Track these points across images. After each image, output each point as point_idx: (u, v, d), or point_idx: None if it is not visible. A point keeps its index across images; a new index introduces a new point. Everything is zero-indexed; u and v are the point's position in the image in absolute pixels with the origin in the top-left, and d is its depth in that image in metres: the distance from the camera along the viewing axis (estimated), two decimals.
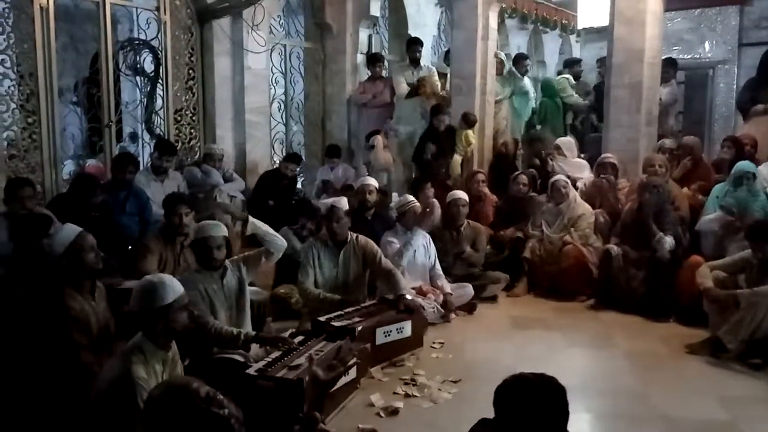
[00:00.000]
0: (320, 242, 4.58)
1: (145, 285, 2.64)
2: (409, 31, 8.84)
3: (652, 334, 4.66)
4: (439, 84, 7.56)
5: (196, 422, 1.53)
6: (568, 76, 8.58)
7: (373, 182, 5.72)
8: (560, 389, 1.83)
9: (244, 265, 3.82)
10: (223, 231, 3.68)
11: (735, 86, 9.21)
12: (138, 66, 6.26)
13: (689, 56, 9.91)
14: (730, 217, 4.89)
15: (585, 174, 6.22)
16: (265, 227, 4.05)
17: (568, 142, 6.76)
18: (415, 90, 7.23)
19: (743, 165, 5.18)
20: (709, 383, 3.82)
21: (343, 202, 4.64)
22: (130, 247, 4.69)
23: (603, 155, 6.05)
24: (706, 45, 9.75)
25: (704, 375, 3.96)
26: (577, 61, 9.16)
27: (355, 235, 4.60)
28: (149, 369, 2.53)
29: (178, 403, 1.56)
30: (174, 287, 2.65)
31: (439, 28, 10.09)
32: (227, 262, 3.74)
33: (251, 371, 3.19)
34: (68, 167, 6.25)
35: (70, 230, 3.27)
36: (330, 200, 4.69)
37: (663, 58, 7.37)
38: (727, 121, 9.39)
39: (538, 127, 8.15)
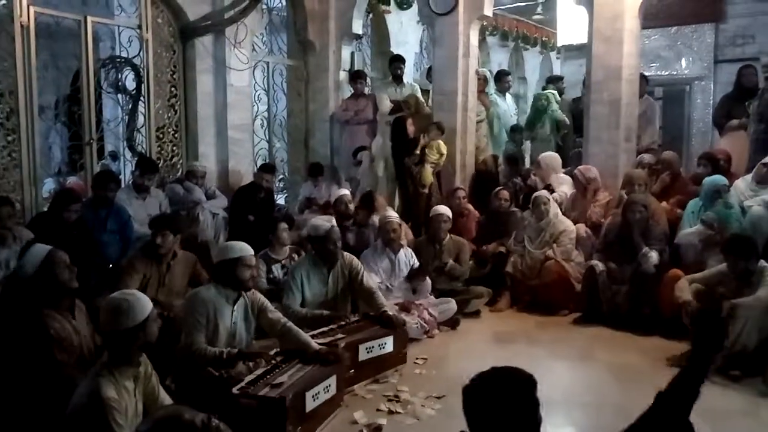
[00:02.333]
0: (309, 262, 4.55)
1: (115, 305, 2.60)
2: (392, 49, 8.94)
3: (634, 347, 4.69)
4: (423, 101, 7.63)
5: None
6: (553, 91, 8.70)
7: (347, 193, 5.81)
8: (523, 378, 1.81)
9: (259, 310, 3.73)
10: (252, 253, 3.67)
11: (711, 102, 9.36)
12: (120, 84, 6.26)
13: (666, 73, 10.08)
14: (710, 231, 4.96)
15: (565, 189, 6.28)
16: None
17: (550, 157, 6.81)
18: (398, 108, 7.27)
19: (715, 179, 5.25)
20: None
21: (334, 223, 4.62)
22: (111, 266, 4.65)
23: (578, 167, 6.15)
24: (683, 62, 9.92)
25: None
26: (560, 78, 9.28)
27: (342, 253, 4.61)
28: (119, 388, 2.52)
29: None
30: (143, 304, 2.63)
31: (421, 46, 10.20)
32: (245, 292, 3.71)
33: (234, 390, 3.17)
34: (48, 185, 6.21)
35: (41, 249, 3.23)
36: (326, 223, 4.53)
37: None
38: (704, 137, 9.54)
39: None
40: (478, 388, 1.81)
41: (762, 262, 4.22)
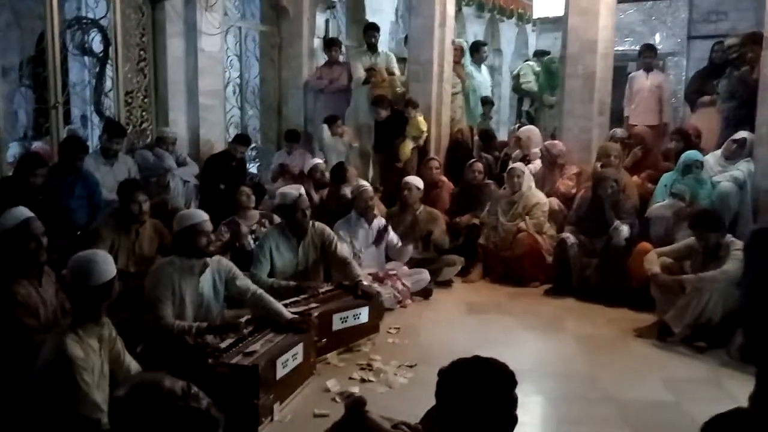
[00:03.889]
0: (278, 231, 4.49)
1: (82, 264, 2.62)
2: (367, 17, 8.80)
3: (603, 318, 4.78)
4: (397, 68, 7.56)
5: (178, 421, 1.48)
6: (533, 63, 8.66)
7: (321, 162, 5.79)
8: (503, 373, 1.75)
9: (228, 278, 3.68)
10: (207, 217, 3.61)
11: (684, 78, 9.44)
12: (86, 46, 6.06)
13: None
14: (681, 203, 5.02)
15: (537, 163, 6.30)
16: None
17: (530, 131, 6.78)
18: (368, 78, 7.20)
19: (691, 154, 5.34)
20: (655, 366, 3.95)
21: (302, 192, 4.55)
22: (79, 232, 4.56)
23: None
24: (657, 37, 9.97)
25: (651, 358, 4.09)
26: (546, 53, 9.25)
27: (312, 222, 4.56)
28: (85, 347, 2.53)
29: (154, 403, 1.48)
30: (109, 263, 2.66)
31: (396, 14, 10.08)
32: (210, 260, 3.64)
33: (207, 359, 3.14)
34: (13, 149, 6.03)
35: (18, 214, 3.14)
36: (293, 191, 4.47)
37: (643, 44, 7.56)
38: (676, 112, 9.62)
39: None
40: (456, 373, 1.74)
41: (729, 237, 4.30)
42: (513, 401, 1.75)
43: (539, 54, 9.14)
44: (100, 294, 2.60)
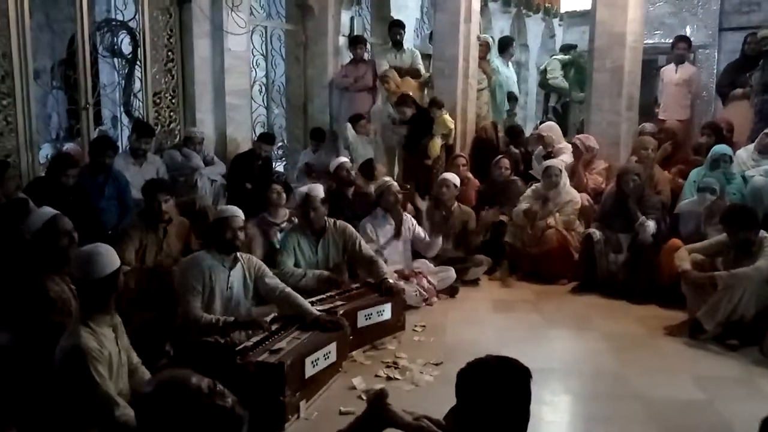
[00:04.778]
0: (299, 230, 4.55)
1: (84, 257, 2.67)
2: (392, 14, 8.77)
3: (632, 316, 4.71)
4: (422, 65, 7.53)
5: (204, 418, 1.50)
6: (560, 58, 8.56)
7: (346, 160, 5.79)
8: (519, 372, 1.79)
9: (257, 275, 3.72)
10: (242, 214, 3.68)
11: (715, 71, 9.26)
12: (115, 47, 6.15)
13: (670, 41, 9.92)
14: (711, 197, 4.89)
15: (565, 158, 6.23)
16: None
17: (550, 128, 6.73)
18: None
19: (719, 148, 5.24)
20: (686, 364, 3.88)
21: (318, 190, 4.58)
22: (110, 232, 4.64)
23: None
24: (688, 29, 9.76)
25: (682, 356, 4.02)
26: (573, 47, 9.14)
27: (332, 220, 4.58)
28: (99, 338, 2.56)
29: (181, 400, 1.50)
30: (112, 256, 2.70)
31: (421, 11, 10.04)
32: (241, 255, 3.70)
33: (233, 355, 3.17)
34: (45, 151, 6.15)
35: (45, 213, 3.22)
36: (305, 188, 4.60)
37: (676, 36, 7.43)
38: (706, 105, 9.45)
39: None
40: (473, 373, 1.79)
41: (762, 233, 4.20)
42: (528, 396, 1.77)
43: (566, 48, 9.04)
44: (106, 285, 2.64)
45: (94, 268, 2.62)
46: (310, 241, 4.50)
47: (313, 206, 4.45)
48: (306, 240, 4.49)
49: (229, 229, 3.57)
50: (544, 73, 8.69)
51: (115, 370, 2.60)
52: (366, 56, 7.74)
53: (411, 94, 6.99)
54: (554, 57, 8.80)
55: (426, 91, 7.42)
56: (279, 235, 4.99)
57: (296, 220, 5.05)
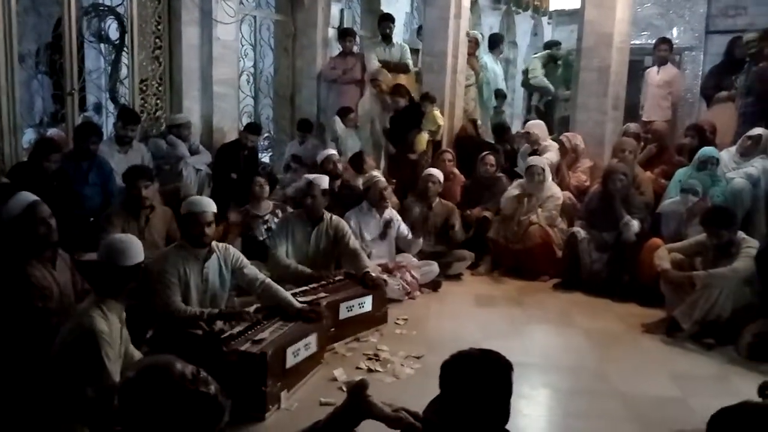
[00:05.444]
0: (296, 216, 4.60)
1: (117, 242, 2.79)
2: (382, 7, 8.77)
3: (612, 313, 4.78)
4: (411, 60, 7.54)
5: (187, 404, 1.51)
6: (541, 55, 8.60)
7: (334, 152, 5.81)
8: (502, 365, 1.82)
9: (235, 267, 3.69)
10: (213, 207, 3.64)
11: (701, 73, 9.35)
12: (102, 33, 6.09)
13: None
14: (693, 198, 4.96)
15: (551, 155, 6.28)
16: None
17: (536, 125, 6.76)
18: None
19: (707, 150, 5.30)
20: (663, 361, 3.95)
21: (323, 180, 4.62)
22: (92, 219, 4.61)
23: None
24: (675, 31, 9.86)
25: (659, 353, 4.08)
26: (557, 44, 9.20)
27: (330, 215, 4.62)
28: (110, 324, 2.64)
29: (164, 386, 1.51)
30: (139, 249, 2.81)
31: (411, 5, 10.05)
32: (217, 245, 3.67)
33: (215, 343, 3.18)
34: (29, 136, 6.09)
35: (22, 199, 3.18)
36: (310, 176, 4.68)
37: (659, 38, 7.49)
38: (691, 107, 9.56)
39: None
40: (456, 364, 1.82)
41: (741, 234, 4.27)
42: (510, 389, 1.80)
43: (550, 45, 9.08)
44: (128, 275, 2.74)
45: (122, 256, 2.73)
46: (305, 230, 4.53)
47: (313, 194, 4.48)
48: (301, 227, 4.53)
49: (197, 224, 3.53)
50: (525, 72, 8.74)
51: (114, 359, 2.64)
52: (355, 49, 7.73)
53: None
54: (534, 56, 8.84)
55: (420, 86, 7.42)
56: (262, 228, 5.01)
57: (280, 213, 5.07)
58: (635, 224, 5.00)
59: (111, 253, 2.74)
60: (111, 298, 2.71)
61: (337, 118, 6.97)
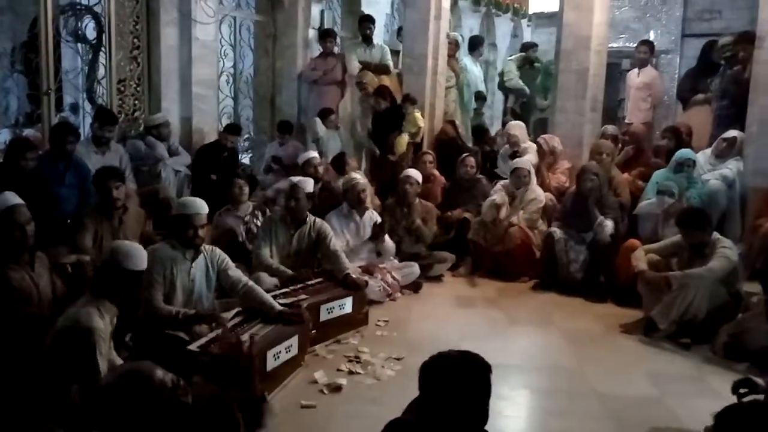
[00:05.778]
0: (279, 218, 4.63)
1: (126, 246, 2.92)
2: (362, 8, 8.77)
3: (589, 313, 4.82)
4: (391, 61, 7.55)
5: (165, 412, 1.51)
6: (514, 57, 8.67)
7: (315, 155, 5.80)
8: (481, 366, 1.83)
9: (220, 267, 3.69)
10: (206, 209, 3.65)
11: (677, 75, 9.48)
12: (79, 32, 6.02)
13: (634, 45, 10.13)
14: (669, 199, 5.02)
15: (531, 157, 6.32)
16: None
17: (516, 126, 6.78)
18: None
19: (684, 152, 5.36)
20: (640, 361, 3.99)
21: (307, 184, 4.64)
22: (69, 220, 4.55)
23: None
24: (651, 34, 9.98)
25: (636, 353, 4.13)
26: (533, 45, 9.27)
27: (314, 218, 4.63)
28: (105, 323, 2.69)
29: (144, 393, 1.51)
30: (144, 258, 2.92)
31: (392, 6, 10.06)
32: (205, 247, 3.68)
33: (193, 347, 3.16)
34: (3, 136, 6.00)
35: (3, 200, 3.16)
36: (296, 179, 4.70)
37: (640, 40, 7.57)
38: (668, 110, 9.68)
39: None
40: (435, 366, 1.84)
41: (715, 235, 4.34)
42: (489, 390, 1.82)
43: (526, 47, 9.15)
44: (129, 280, 2.82)
45: (129, 260, 2.81)
46: (288, 231, 4.54)
47: (296, 197, 4.50)
48: (284, 229, 4.55)
49: (191, 227, 3.54)
50: (501, 75, 8.80)
51: (105, 359, 2.67)
52: (335, 50, 7.72)
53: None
54: (510, 59, 8.92)
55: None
56: (242, 229, 4.99)
57: (260, 215, 5.06)
58: (609, 224, 5.05)
59: (117, 255, 2.81)
60: (107, 299, 2.75)
61: (318, 120, 6.96)
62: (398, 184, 5.64)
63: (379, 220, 5.23)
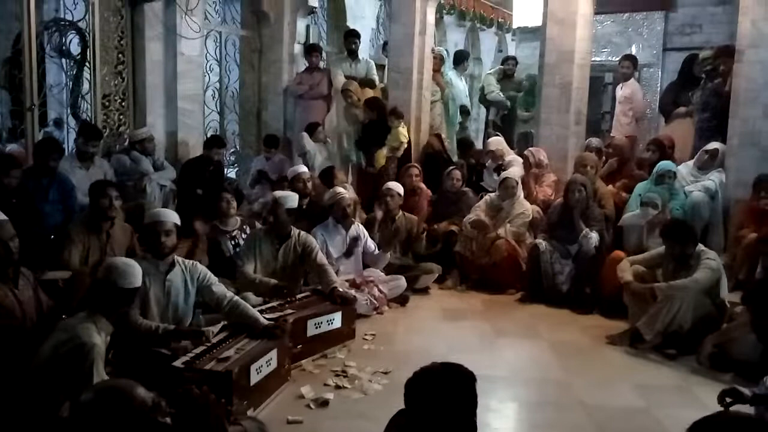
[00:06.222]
0: (264, 233, 4.61)
1: (120, 264, 2.93)
2: (348, 23, 8.83)
3: (576, 325, 4.83)
4: (376, 76, 7.59)
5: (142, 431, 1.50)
6: (493, 70, 8.74)
7: (305, 170, 5.78)
8: (465, 377, 1.83)
9: (202, 285, 3.67)
10: (175, 218, 3.64)
11: (659, 89, 9.60)
12: (63, 48, 6.00)
13: (616, 59, 10.25)
14: (653, 211, 5.06)
15: (516, 170, 6.35)
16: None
17: (497, 141, 6.82)
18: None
19: (664, 164, 5.43)
20: (627, 372, 4.00)
21: (290, 200, 4.60)
22: (53, 237, 4.51)
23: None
24: (633, 48, 10.10)
25: (622, 364, 4.14)
26: (512, 58, 9.36)
27: (298, 231, 4.61)
28: (101, 340, 2.72)
29: (124, 411, 1.50)
30: (139, 275, 2.94)
31: (377, 21, 10.13)
32: (180, 260, 3.65)
33: (178, 363, 3.13)
34: None
35: None
36: (279, 193, 4.67)
37: (623, 54, 7.66)
38: (650, 123, 9.78)
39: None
40: (419, 381, 1.84)
41: (699, 246, 4.38)
42: (475, 400, 1.82)
43: (506, 60, 9.23)
44: (125, 297, 2.87)
45: (124, 278, 2.85)
46: (273, 246, 4.53)
47: (277, 212, 4.50)
48: (268, 243, 4.53)
49: (155, 233, 3.54)
50: (482, 89, 8.87)
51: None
52: (321, 64, 7.75)
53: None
54: (489, 72, 9.00)
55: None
56: (230, 244, 4.97)
57: (248, 229, 5.04)
58: (594, 236, 5.09)
59: (112, 273, 2.84)
60: (103, 316, 2.78)
61: (305, 135, 6.95)
62: (380, 196, 5.65)
63: (365, 234, 5.23)
